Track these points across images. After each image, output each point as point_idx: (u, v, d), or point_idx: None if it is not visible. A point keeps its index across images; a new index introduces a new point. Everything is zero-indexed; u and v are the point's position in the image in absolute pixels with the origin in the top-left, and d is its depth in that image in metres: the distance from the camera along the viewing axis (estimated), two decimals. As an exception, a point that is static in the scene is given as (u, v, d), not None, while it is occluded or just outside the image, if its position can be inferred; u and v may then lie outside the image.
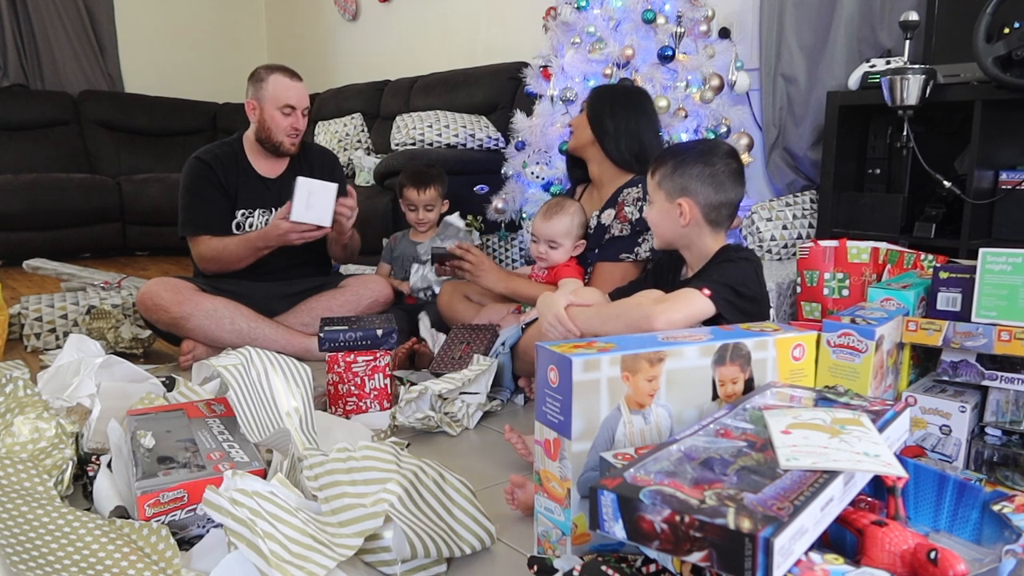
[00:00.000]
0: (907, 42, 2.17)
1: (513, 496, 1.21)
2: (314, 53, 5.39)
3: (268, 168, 2.28)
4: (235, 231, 2.22)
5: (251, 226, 2.23)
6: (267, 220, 2.24)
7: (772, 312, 2.05)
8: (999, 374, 1.25)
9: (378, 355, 1.70)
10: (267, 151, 2.25)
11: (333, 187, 2.03)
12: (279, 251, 2.18)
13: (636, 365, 0.94)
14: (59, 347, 2.19)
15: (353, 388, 1.70)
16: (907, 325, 1.34)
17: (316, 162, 2.35)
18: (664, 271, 1.61)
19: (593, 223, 1.94)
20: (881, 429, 0.88)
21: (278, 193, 2.26)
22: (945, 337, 1.29)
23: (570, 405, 0.90)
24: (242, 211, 2.24)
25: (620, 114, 1.90)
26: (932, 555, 0.77)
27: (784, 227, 2.44)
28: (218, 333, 2.05)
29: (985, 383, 1.27)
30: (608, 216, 1.90)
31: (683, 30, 2.50)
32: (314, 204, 2.01)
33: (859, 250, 1.85)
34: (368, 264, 3.06)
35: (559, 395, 0.92)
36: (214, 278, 2.19)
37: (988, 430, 1.30)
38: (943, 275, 1.34)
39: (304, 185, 2.00)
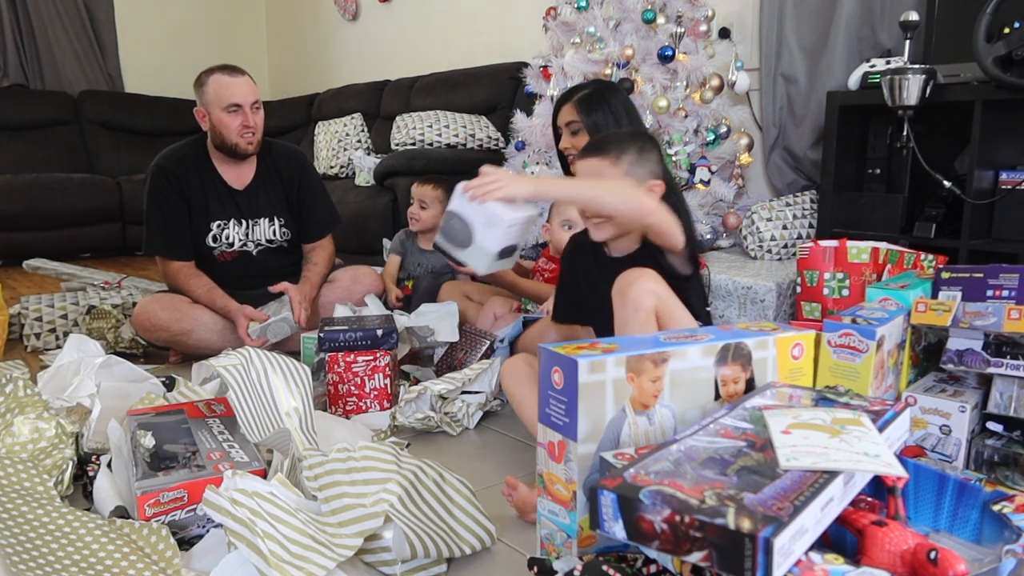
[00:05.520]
0: (907, 42, 2.16)
1: (511, 495, 1.21)
2: (314, 53, 5.39)
3: (235, 176, 2.20)
4: (211, 243, 2.17)
5: (227, 237, 2.18)
6: (240, 232, 2.20)
7: (772, 312, 2.05)
8: (1005, 361, 1.24)
9: (378, 355, 1.70)
10: (228, 156, 2.15)
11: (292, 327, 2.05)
12: (262, 261, 2.20)
13: (641, 366, 0.94)
14: (59, 347, 2.19)
15: (353, 388, 1.70)
16: (916, 306, 1.34)
17: (283, 166, 2.26)
18: (577, 272, 1.52)
19: None
20: (881, 429, 0.88)
21: (245, 205, 2.20)
22: (955, 316, 1.28)
23: (575, 407, 0.90)
24: (217, 223, 2.18)
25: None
26: (932, 555, 0.77)
27: (784, 227, 2.44)
28: (220, 344, 2.04)
29: (991, 371, 1.26)
30: None
31: (683, 30, 2.50)
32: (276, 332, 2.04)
33: (859, 250, 1.85)
34: (367, 264, 3.05)
35: (564, 397, 0.92)
36: None
37: (989, 425, 1.30)
38: (945, 275, 1.34)
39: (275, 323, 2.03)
